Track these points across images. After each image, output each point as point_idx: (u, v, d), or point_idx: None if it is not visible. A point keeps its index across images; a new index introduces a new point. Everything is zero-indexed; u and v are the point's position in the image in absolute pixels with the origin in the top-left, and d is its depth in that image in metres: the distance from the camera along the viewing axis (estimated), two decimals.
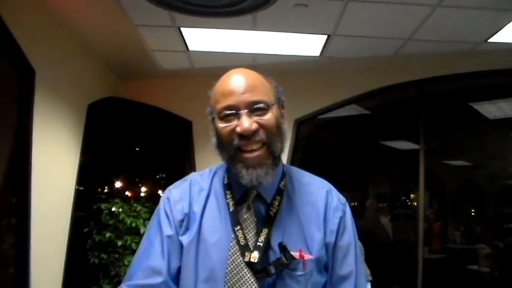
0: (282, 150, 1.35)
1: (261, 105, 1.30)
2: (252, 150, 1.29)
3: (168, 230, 1.35)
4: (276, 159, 1.33)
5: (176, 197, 1.40)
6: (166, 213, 1.38)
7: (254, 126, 1.28)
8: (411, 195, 8.06)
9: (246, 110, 1.28)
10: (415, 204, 6.50)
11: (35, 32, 3.77)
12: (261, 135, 1.29)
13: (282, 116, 1.37)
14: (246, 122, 1.27)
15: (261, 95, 1.31)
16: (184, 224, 1.35)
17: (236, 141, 1.28)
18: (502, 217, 8.10)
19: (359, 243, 4.27)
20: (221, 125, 1.31)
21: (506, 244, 7.03)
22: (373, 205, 7.14)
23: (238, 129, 1.28)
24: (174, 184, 1.47)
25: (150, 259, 1.33)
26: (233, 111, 1.29)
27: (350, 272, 1.36)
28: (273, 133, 1.31)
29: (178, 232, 1.34)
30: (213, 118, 1.35)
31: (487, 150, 7.60)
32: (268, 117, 1.30)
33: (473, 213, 9.04)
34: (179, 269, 1.33)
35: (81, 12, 4.09)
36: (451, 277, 7.05)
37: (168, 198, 1.41)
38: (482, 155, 7.90)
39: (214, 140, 1.36)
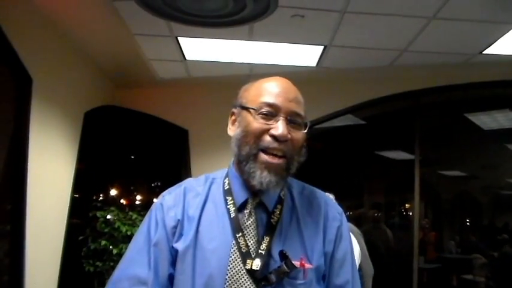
0: (294, 169, 1.36)
1: (300, 120, 1.32)
2: (276, 156, 1.29)
3: (157, 239, 1.33)
4: (288, 175, 1.35)
5: (169, 203, 1.38)
6: (157, 220, 1.37)
7: (289, 135, 1.29)
8: (406, 205, 8.07)
9: (285, 117, 1.30)
10: (410, 213, 6.51)
11: (32, 40, 3.78)
12: (288, 147, 1.29)
13: (305, 138, 1.38)
14: (285, 128, 1.28)
15: (302, 111, 1.34)
16: (177, 230, 1.33)
17: (265, 142, 1.29)
18: (497, 227, 8.12)
19: (370, 265, 4.22)
20: (257, 120, 1.30)
21: (500, 254, 7.04)
22: (370, 214, 7.15)
23: (274, 131, 1.28)
24: (167, 190, 1.45)
25: (136, 267, 1.32)
26: (273, 112, 1.30)
27: (346, 281, 1.36)
28: (297, 151, 1.33)
29: (170, 239, 1.33)
30: (246, 109, 1.34)
31: (482, 160, 7.63)
32: (300, 134, 1.33)
33: (468, 223, 9.05)
34: (170, 276, 1.32)
35: (79, 20, 4.10)
36: (446, 287, 7.06)
37: (161, 204, 1.40)
38: (477, 165, 7.92)
39: (238, 131, 1.34)
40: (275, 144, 1.28)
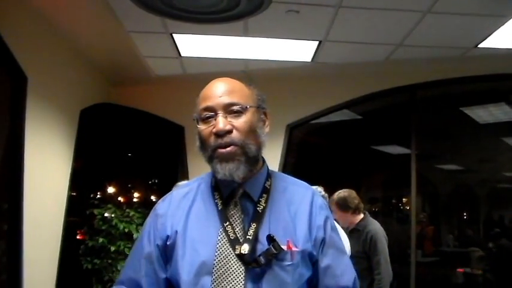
0: (257, 152, 1.43)
1: (236, 107, 1.40)
2: (225, 147, 1.37)
3: (148, 248, 1.45)
4: (251, 159, 1.41)
5: (161, 211, 1.50)
6: (149, 229, 1.48)
7: (228, 127, 1.38)
8: (404, 199, 8.09)
9: (222, 112, 1.39)
10: (408, 208, 6.53)
11: (26, 38, 3.77)
12: (234, 136, 1.38)
13: (262, 120, 1.48)
14: (221, 123, 1.37)
15: (237, 98, 1.42)
16: (167, 234, 1.43)
17: (213, 142, 1.38)
18: (494, 220, 8.15)
19: (389, 270, 4.08)
20: (201, 126, 1.42)
21: (498, 247, 7.08)
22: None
23: (214, 129, 1.38)
24: (162, 198, 1.57)
25: (133, 272, 1.45)
26: (211, 113, 1.40)
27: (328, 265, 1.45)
28: (247, 135, 1.40)
29: (159, 244, 1.43)
30: (195, 121, 1.45)
31: (479, 154, 7.64)
32: (242, 119, 1.40)
33: (465, 217, 9.08)
34: (165, 280, 1.42)
35: (74, 18, 4.10)
36: (443, 280, 7.08)
37: (154, 213, 1.52)
38: (473, 159, 7.93)
39: (197, 142, 1.46)
40: (220, 140, 1.38)
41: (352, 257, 3.89)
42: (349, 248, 3.89)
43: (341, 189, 4.20)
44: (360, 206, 4.08)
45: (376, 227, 4.01)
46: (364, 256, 3.88)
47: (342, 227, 4.01)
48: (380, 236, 3.92)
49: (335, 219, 4.04)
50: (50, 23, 4.09)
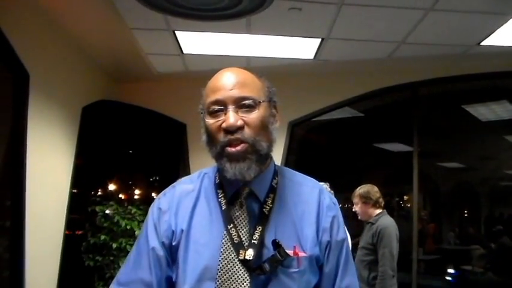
0: (269, 149, 1.35)
1: (248, 101, 1.31)
2: (236, 145, 1.28)
3: (154, 242, 1.36)
4: (262, 157, 1.33)
5: (164, 206, 1.41)
6: (154, 223, 1.39)
7: (239, 122, 1.28)
8: (405, 196, 8.10)
9: (233, 106, 1.29)
10: (409, 205, 6.53)
11: (29, 35, 3.77)
12: (246, 133, 1.29)
13: (273, 115, 1.38)
14: (232, 118, 1.28)
15: (250, 91, 1.32)
16: (172, 232, 1.36)
17: (222, 138, 1.29)
18: (495, 218, 8.15)
19: (393, 266, 4.10)
20: (209, 120, 1.32)
21: (498, 244, 7.08)
22: None
23: (223, 124, 1.29)
24: (163, 191, 1.48)
25: (139, 270, 1.36)
26: (221, 107, 1.30)
27: (335, 269, 1.38)
28: (258, 132, 1.31)
29: (165, 242, 1.36)
30: (202, 114, 1.36)
31: (480, 152, 7.64)
32: (255, 115, 1.31)
33: (466, 215, 9.08)
34: (168, 278, 1.35)
35: (76, 15, 4.09)
36: (445, 278, 7.09)
37: (156, 207, 1.43)
38: (475, 156, 7.94)
39: (204, 136, 1.37)
40: (230, 136, 1.28)
41: (362, 248, 4.03)
42: (350, 242, 3.93)
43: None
44: (380, 200, 4.23)
45: (387, 222, 4.13)
46: (373, 248, 3.98)
47: (361, 220, 4.27)
48: (389, 231, 4.00)
49: (354, 211, 4.20)
50: (52, 20, 4.08)
